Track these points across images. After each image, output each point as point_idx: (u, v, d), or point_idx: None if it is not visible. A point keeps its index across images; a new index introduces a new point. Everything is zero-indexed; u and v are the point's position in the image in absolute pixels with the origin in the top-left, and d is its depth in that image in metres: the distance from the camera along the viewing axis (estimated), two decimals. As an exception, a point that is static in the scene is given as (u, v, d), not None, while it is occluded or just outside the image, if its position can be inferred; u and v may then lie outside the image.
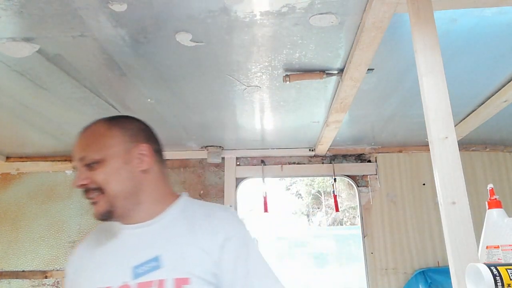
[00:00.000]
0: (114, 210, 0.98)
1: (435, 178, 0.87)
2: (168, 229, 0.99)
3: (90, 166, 0.98)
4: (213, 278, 0.92)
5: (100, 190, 0.97)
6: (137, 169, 1.01)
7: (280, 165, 2.61)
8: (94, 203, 0.99)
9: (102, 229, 1.08)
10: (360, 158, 2.63)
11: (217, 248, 0.94)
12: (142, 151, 1.03)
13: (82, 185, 0.98)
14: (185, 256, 0.93)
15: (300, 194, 16.68)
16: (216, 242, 0.95)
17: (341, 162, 2.62)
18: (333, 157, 2.62)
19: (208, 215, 1.01)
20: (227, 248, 0.95)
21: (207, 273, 0.91)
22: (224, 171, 2.59)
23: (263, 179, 2.59)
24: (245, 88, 1.62)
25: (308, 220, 16.44)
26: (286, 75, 1.46)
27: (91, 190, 0.98)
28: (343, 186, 10.79)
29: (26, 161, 2.62)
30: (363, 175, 2.60)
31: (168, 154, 2.78)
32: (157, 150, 1.10)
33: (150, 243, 0.97)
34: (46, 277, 2.43)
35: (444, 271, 2.32)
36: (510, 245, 0.85)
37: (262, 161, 2.61)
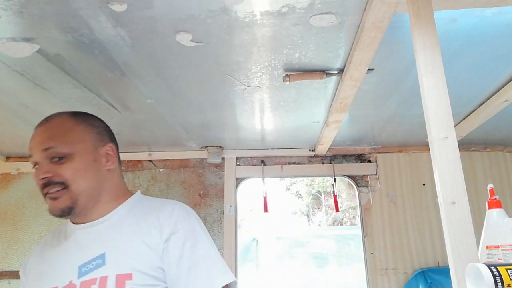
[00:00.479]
0: (75, 207, 0.96)
1: (435, 178, 0.87)
2: (115, 227, 0.99)
3: (56, 159, 0.96)
4: (158, 272, 0.92)
5: (63, 185, 0.95)
6: (103, 168, 1.02)
7: (280, 165, 2.61)
8: (54, 199, 0.96)
9: (56, 232, 1.08)
10: (360, 158, 2.63)
11: (162, 242, 0.94)
12: (108, 150, 1.05)
13: (45, 178, 0.95)
14: (129, 252, 0.93)
15: (300, 194, 16.67)
16: (161, 236, 0.95)
17: (341, 162, 2.62)
18: (333, 157, 2.62)
19: (155, 210, 1.01)
20: (172, 242, 0.95)
21: (151, 268, 0.92)
22: (224, 171, 2.59)
23: (263, 179, 2.59)
24: (245, 88, 1.62)
25: (308, 220, 16.43)
26: (286, 75, 1.46)
27: (52, 185, 0.95)
28: (343, 186, 10.78)
29: (26, 161, 2.61)
30: (363, 175, 2.60)
31: (168, 154, 2.79)
32: (118, 150, 1.11)
33: (97, 241, 0.96)
34: (46, 277, 2.43)
35: (444, 271, 2.32)
36: (510, 245, 0.85)
37: (262, 161, 2.61)
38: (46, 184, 0.95)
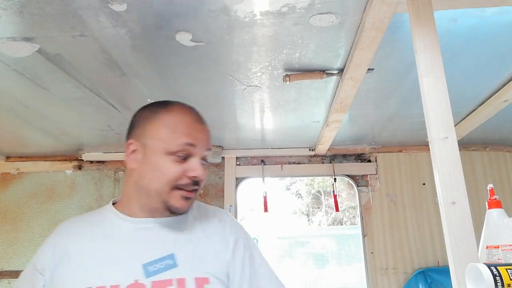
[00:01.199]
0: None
1: (435, 178, 0.87)
2: (178, 228, 0.96)
3: (203, 162, 0.97)
4: (226, 278, 0.92)
5: (199, 187, 0.96)
6: None
7: (280, 165, 2.61)
8: (189, 198, 0.94)
9: (87, 223, 0.99)
10: (360, 158, 2.63)
11: (228, 250, 0.95)
12: None
13: (200, 178, 0.94)
14: (201, 256, 0.91)
15: (300, 194, 16.67)
16: (227, 244, 0.96)
17: (341, 162, 2.62)
18: (333, 157, 2.62)
19: (214, 216, 1.02)
20: (236, 250, 0.96)
21: (222, 273, 0.91)
22: (224, 171, 2.58)
23: (263, 179, 2.59)
24: (245, 88, 1.62)
25: (308, 220, 16.43)
26: (286, 75, 1.46)
27: (198, 185, 0.94)
28: (343, 186, 10.78)
29: (26, 161, 2.61)
30: (363, 175, 2.60)
31: (168, 154, 2.74)
32: None
33: (161, 240, 0.92)
34: (46, 277, 2.43)
35: (444, 271, 2.32)
36: (510, 245, 0.85)
37: (262, 161, 2.61)
38: (194, 183, 0.93)
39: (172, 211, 0.94)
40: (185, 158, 0.93)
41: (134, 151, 0.96)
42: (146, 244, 0.92)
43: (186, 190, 0.93)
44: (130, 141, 0.97)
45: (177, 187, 0.92)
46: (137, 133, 0.97)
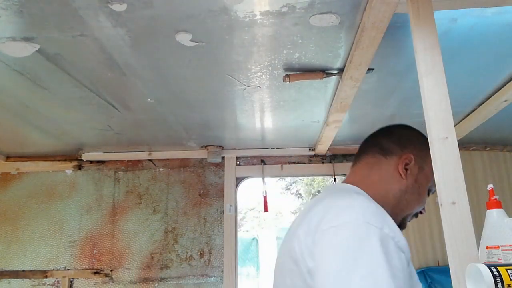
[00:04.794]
0: None
1: (435, 178, 0.86)
2: None
3: None
4: None
5: None
6: None
7: (280, 165, 2.61)
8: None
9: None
10: (360, 158, 2.63)
11: None
12: None
13: None
14: None
15: (300, 194, 16.65)
16: None
17: (341, 162, 2.62)
18: (333, 157, 2.62)
19: None
20: None
21: None
22: (224, 171, 2.59)
23: (263, 179, 2.59)
24: (245, 88, 1.62)
25: (308, 220, 16.37)
26: (286, 75, 1.46)
27: None
28: (343, 186, 10.75)
29: (26, 161, 2.62)
30: (363, 175, 2.59)
31: (168, 154, 2.78)
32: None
33: None
34: (46, 277, 2.43)
35: (444, 271, 2.32)
36: (510, 245, 0.85)
37: (262, 161, 2.61)
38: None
39: (402, 227, 1.09)
40: None
41: (407, 164, 1.07)
42: None
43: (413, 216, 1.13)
44: (410, 155, 1.07)
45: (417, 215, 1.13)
46: (415, 153, 1.08)
